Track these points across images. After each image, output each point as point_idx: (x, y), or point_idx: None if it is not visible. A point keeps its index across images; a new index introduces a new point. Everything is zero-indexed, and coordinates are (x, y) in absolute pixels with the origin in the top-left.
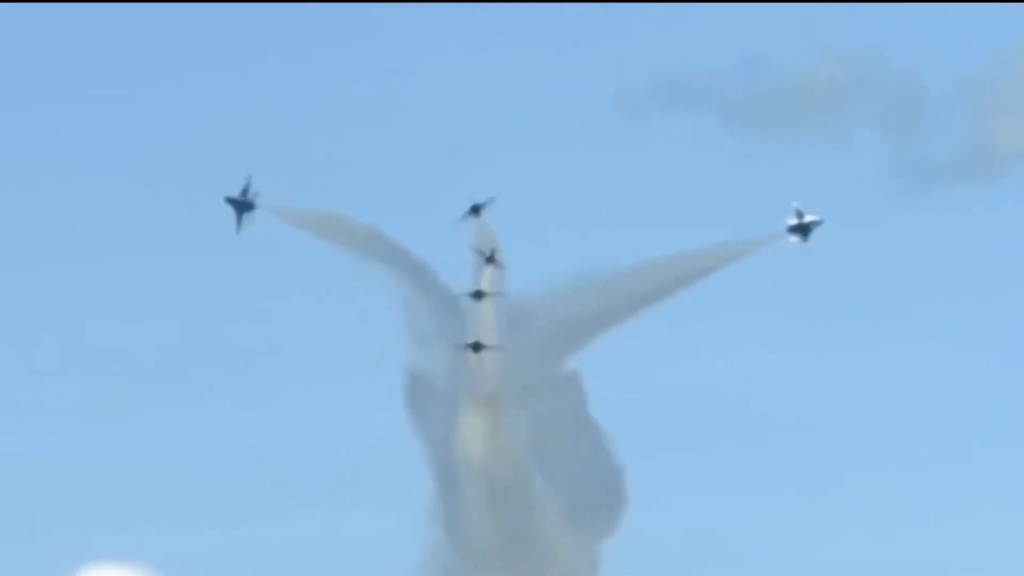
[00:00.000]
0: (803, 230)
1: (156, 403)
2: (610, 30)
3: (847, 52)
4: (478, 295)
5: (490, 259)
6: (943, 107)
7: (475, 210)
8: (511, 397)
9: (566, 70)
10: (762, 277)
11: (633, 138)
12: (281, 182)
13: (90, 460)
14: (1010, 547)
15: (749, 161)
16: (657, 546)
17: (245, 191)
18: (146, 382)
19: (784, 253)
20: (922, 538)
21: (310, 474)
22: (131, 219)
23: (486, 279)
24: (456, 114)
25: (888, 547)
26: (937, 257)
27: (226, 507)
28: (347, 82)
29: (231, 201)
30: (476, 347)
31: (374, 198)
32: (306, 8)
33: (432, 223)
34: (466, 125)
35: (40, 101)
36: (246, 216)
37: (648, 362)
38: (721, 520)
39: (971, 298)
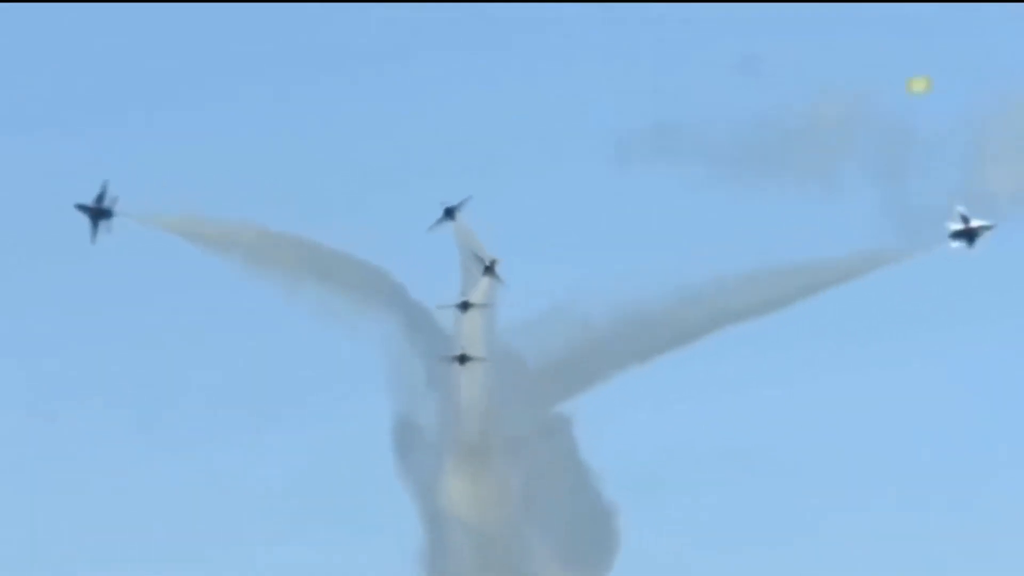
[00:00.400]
0: (969, 236)
1: (146, 437)
2: (604, 73)
3: (837, 97)
4: (464, 306)
5: (489, 268)
6: (932, 152)
7: (449, 213)
8: (498, 445)
9: (561, 111)
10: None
11: (625, 180)
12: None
13: (83, 495)
14: None
15: (738, 204)
16: None
17: (100, 198)
18: (139, 414)
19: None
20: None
21: (298, 510)
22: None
23: (477, 291)
24: (449, 152)
25: None
26: (926, 300)
27: (213, 544)
28: (347, 111)
29: (83, 208)
30: (462, 359)
31: (368, 228)
32: (298, 33)
33: (420, 252)
34: (457, 163)
35: None
36: (102, 224)
37: (639, 405)
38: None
39: (961, 339)
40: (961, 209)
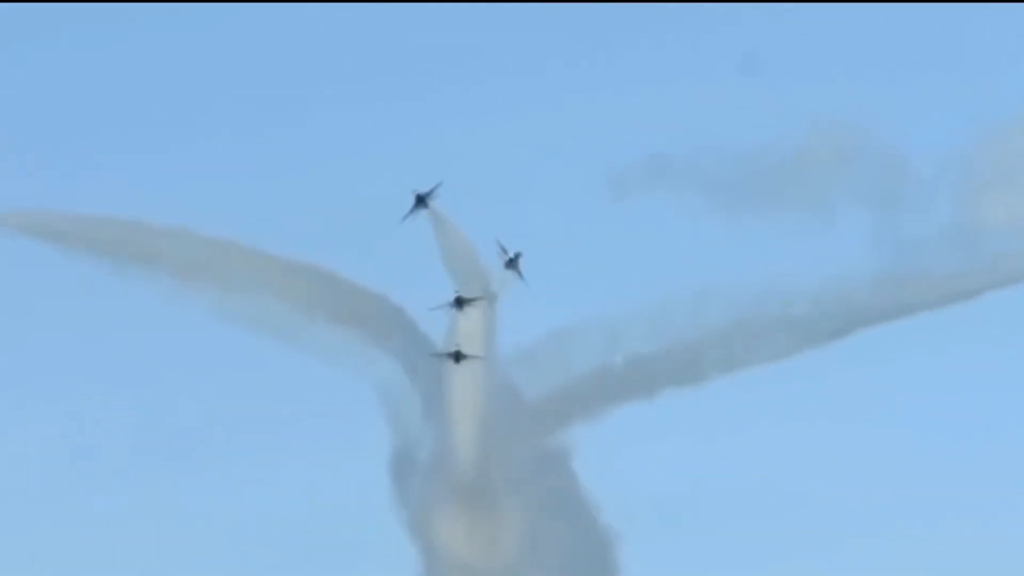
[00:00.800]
0: None
1: (135, 470)
2: (598, 105)
3: (831, 127)
4: (459, 303)
5: (512, 262)
6: (927, 184)
7: (421, 201)
8: (497, 480)
9: (554, 143)
10: None
11: (618, 212)
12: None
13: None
14: None
15: (731, 236)
16: None
17: None
18: (129, 445)
19: None
20: None
21: (292, 547)
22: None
23: (471, 286)
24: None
25: None
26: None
27: None
28: (344, 147)
29: None
30: (457, 357)
31: (365, 256)
32: (300, 74)
33: (413, 279)
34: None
35: None
36: None
37: (639, 439)
38: None
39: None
40: None
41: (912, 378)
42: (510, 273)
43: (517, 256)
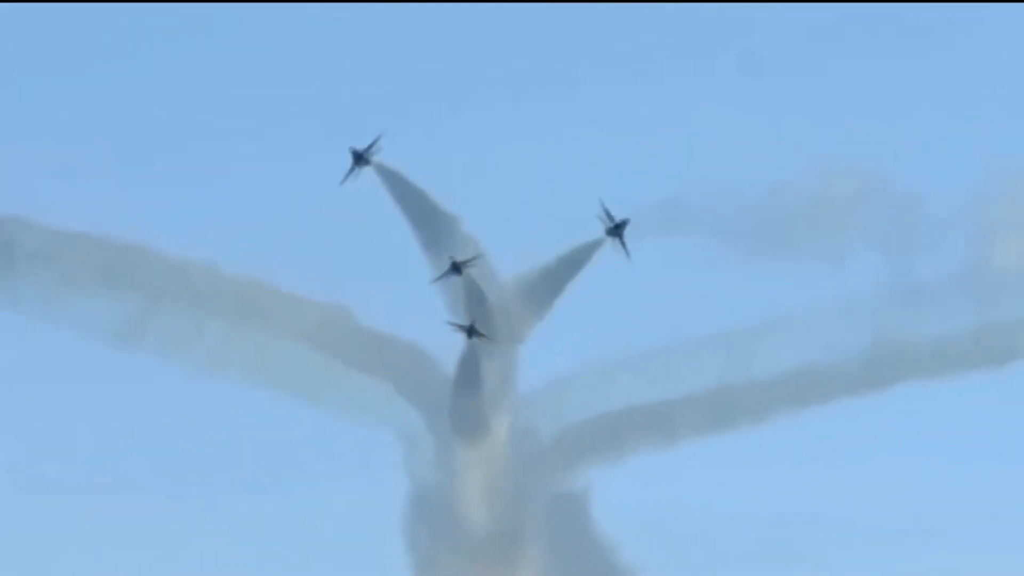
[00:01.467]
0: None
1: (154, 508)
2: (610, 148)
3: (844, 171)
4: (455, 267)
5: (616, 228)
6: (942, 227)
7: (360, 159)
8: (514, 524)
9: (567, 186)
10: None
11: (632, 256)
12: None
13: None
14: None
15: (745, 280)
16: None
17: None
18: (153, 478)
19: None
20: None
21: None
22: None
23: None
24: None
25: None
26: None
27: None
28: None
29: None
30: (470, 332)
31: (372, 290)
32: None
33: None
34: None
35: None
36: None
37: (655, 476)
38: None
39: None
40: None
41: (933, 412)
42: (613, 240)
43: (623, 223)
